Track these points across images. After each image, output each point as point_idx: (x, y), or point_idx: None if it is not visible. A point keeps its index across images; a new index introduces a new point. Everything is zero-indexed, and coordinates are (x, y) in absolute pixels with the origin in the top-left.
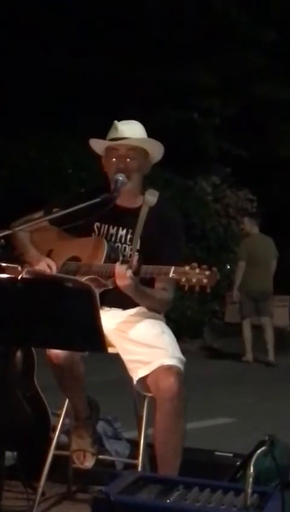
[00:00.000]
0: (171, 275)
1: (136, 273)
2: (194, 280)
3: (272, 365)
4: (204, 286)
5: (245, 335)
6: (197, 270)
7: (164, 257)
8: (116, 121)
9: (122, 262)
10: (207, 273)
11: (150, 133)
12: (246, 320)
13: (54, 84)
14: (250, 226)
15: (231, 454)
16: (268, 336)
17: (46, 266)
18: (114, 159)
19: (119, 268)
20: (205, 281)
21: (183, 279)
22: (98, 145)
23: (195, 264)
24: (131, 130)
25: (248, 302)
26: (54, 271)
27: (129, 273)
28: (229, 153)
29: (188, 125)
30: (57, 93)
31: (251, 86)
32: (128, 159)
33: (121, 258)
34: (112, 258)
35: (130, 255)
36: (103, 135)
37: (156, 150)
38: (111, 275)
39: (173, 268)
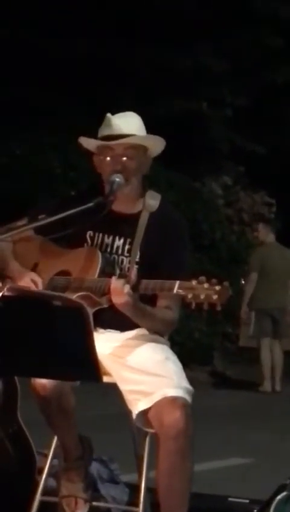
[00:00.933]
0: (175, 290)
1: (134, 288)
2: (202, 296)
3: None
4: (214, 303)
5: (263, 359)
6: (206, 285)
7: (167, 270)
8: (109, 114)
9: (120, 277)
10: (217, 288)
11: (151, 127)
12: (265, 341)
13: (40, 72)
14: (265, 233)
15: (247, 501)
16: (276, 360)
17: (30, 282)
18: (108, 159)
19: (115, 283)
20: (214, 297)
21: (190, 296)
22: (89, 143)
23: (203, 278)
24: (127, 124)
25: (265, 319)
26: (40, 287)
27: (127, 288)
28: (242, 149)
29: (195, 117)
30: (43, 83)
31: (267, 71)
32: (124, 158)
33: (117, 271)
34: (107, 272)
35: (128, 268)
36: (95, 127)
37: (156, 145)
38: (106, 292)
39: (177, 283)
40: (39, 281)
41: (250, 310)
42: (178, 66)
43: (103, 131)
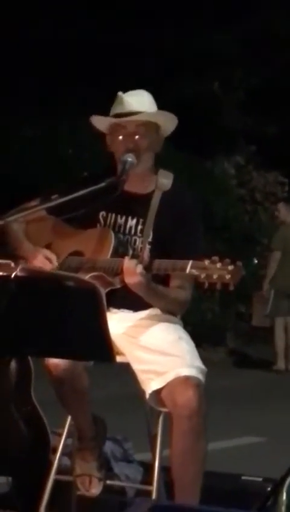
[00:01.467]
0: (188, 270)
1: (147, 268)
2: (215, 276)
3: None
4: (227, 283)
5: (277, 338)
6: (219, 265)
7: (179, 250)
8: (120, 93)
9: (132, 257)
10: (230, 268)
11: (162, 108)
12: (279, 320)
13: (48, 51)
14: (285, 213)
15: (260, 479)
16: None
17: (44, 259)
18: (121, 137)
19: (128, 263)
20: (227, 277)
21: (203, 276)
22: (101, 122)
23: (216, 258)
24: (139, 102)
25: (283, 299)
26: (55, 263)
27: (139, 269)
28: (254, 129)
29: (207, 97)
30: (52, 62)
31: (279, 52)
32: (137, 136)
33: (130, 252)
34: (119, 252)
35: (141, 248)
36: (106, 109)
37: (168, 122)
38: (119, 272)
39: (190, 262)
40: (53, 257)
41: (270, 288)
42: (190, 47)
43: (115, 110)
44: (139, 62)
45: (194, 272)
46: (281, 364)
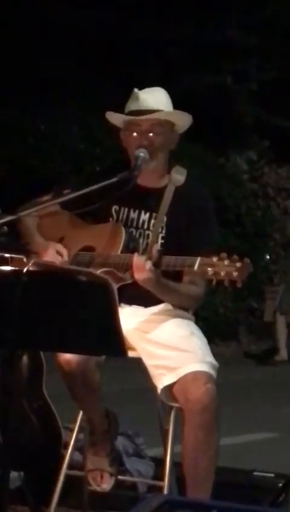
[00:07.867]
0: (196, 267)
1: (157, 264)
2: (222, 273)
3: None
4: (234, 280)
5: (279, 332)
6: (227, 262)
7: (192, 245)
8: (136, 89)
9: (143, 253)
10: (238, 264)
11: (175, 101)
12: (281, 317)
13: (63, 46)
14: None
15: (272, 474)
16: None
17: (55, 253)
18: (135, 134)
19: (137, 260)
20: (235, 274)
21: (211, 272)
22: (115, 118)
23: (224, 255)
24: (155, 99)
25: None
26: (66, 258)
27: (148, 265)
28: (267, 123)
29: (220, 91)
30: (66, 57)
31: None
32: (151, 134)
33: (142, 247)
34: (130, 248)
35: (150, 243)
36: (120, 103)
37: (183, 120)
38: (129, 267)
39: (198, 259)
40: (64, 251)
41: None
42: (203, 40)
43: (130, 106)
44: (151, 55)
45: (203, 268)
46: (283, 354)
